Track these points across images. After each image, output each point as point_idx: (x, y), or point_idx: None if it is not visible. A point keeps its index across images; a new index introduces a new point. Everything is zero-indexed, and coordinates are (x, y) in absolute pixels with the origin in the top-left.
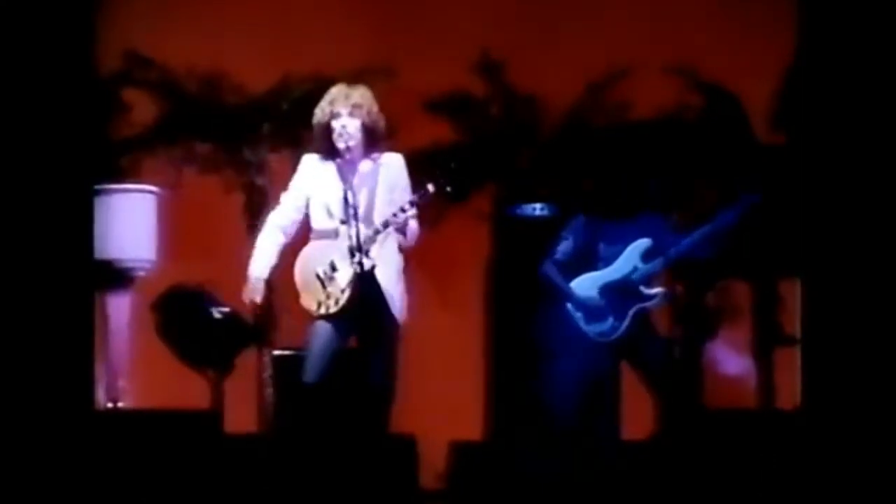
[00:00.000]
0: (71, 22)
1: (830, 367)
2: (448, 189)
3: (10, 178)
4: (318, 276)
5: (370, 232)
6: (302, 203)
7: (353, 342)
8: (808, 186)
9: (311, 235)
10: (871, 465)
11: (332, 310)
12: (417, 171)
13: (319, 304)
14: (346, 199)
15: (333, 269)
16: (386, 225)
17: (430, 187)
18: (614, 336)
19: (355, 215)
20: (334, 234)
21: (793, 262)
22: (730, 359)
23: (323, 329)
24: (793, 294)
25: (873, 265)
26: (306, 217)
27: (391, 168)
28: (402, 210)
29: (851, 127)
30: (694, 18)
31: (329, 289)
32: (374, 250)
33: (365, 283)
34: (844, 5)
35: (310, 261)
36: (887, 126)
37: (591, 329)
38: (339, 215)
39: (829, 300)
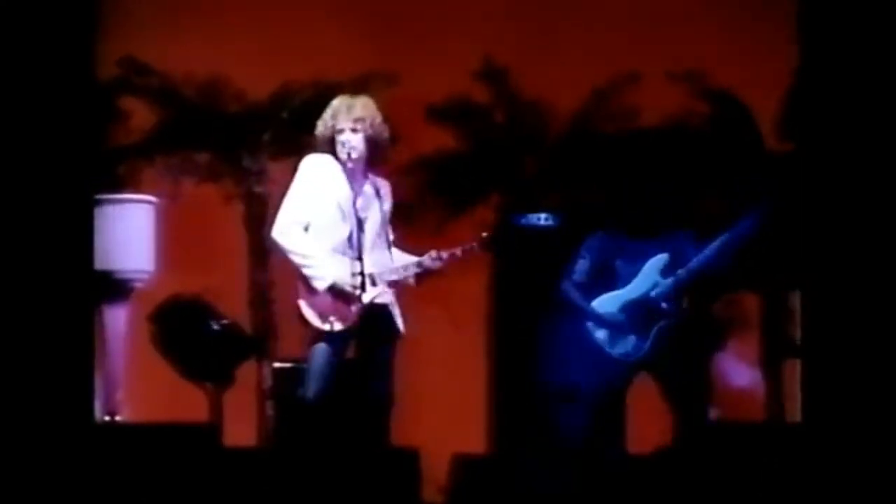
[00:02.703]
0: (71, 29)
1: (832, 378)
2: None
3: (9, 188)
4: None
5: (392, 271)
6: (311, 201)
7: (352, 353)
8: (812, 195)
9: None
10: (877, 478)
11: (337, 328)
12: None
13: (325, 320)
14: (355, 211)
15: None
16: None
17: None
18: (638, 356)
19: (361, 238)
20: (345, 247)
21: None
22: (738, 370)
23: (326, 346)
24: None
25: (879, 274)
26: None
27: (388, 197)
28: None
29: (858, 134)
30: (700, 24)
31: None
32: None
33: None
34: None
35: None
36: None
37: (615, 350)
38: (351, 221)
39: (833, 310)
